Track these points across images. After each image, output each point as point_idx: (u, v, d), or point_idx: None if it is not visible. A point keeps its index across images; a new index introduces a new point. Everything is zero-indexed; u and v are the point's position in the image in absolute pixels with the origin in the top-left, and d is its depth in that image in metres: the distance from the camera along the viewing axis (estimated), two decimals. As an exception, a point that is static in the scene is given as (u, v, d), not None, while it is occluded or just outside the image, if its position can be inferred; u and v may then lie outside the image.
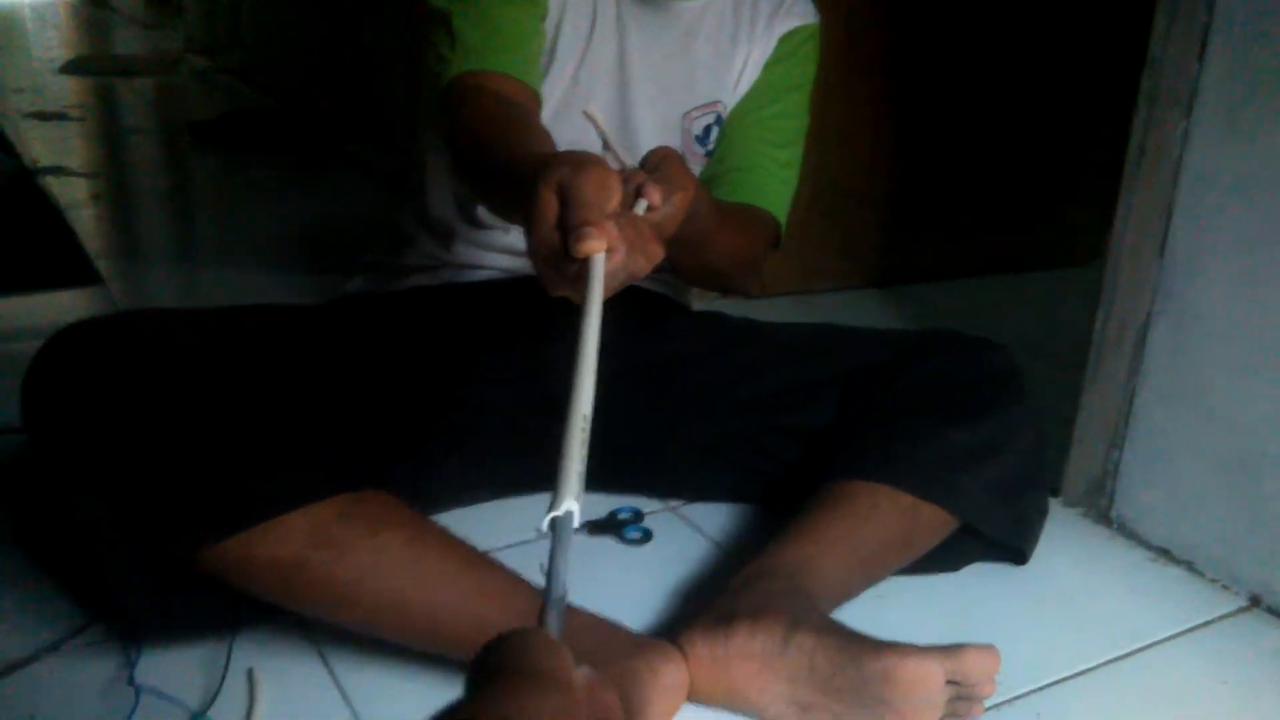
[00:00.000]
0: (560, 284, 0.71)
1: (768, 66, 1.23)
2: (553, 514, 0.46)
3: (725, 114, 1.23)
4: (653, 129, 1.19)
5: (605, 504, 1.23)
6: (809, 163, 2.00)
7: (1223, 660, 1.02)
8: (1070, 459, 1.28)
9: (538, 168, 0.73)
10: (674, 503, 1.26)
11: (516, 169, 0.79)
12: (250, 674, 0.89)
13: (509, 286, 1.21)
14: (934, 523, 1.04)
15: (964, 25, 2.13)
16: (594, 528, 1.19)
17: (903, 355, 1.14)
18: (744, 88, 1.23)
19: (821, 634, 0.85)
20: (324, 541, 0.83)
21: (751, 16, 1.21)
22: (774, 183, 1.23)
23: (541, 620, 0.43)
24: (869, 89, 2.06)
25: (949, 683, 0.82)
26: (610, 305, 0.71)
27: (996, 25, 2.15)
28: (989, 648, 0.82)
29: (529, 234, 0.72)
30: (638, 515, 1.22)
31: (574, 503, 0.47)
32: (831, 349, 1.20)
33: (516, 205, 0.76)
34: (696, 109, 1.20)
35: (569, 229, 0.68)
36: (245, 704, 0.85)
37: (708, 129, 1.22)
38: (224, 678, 0.87)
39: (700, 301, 1.43)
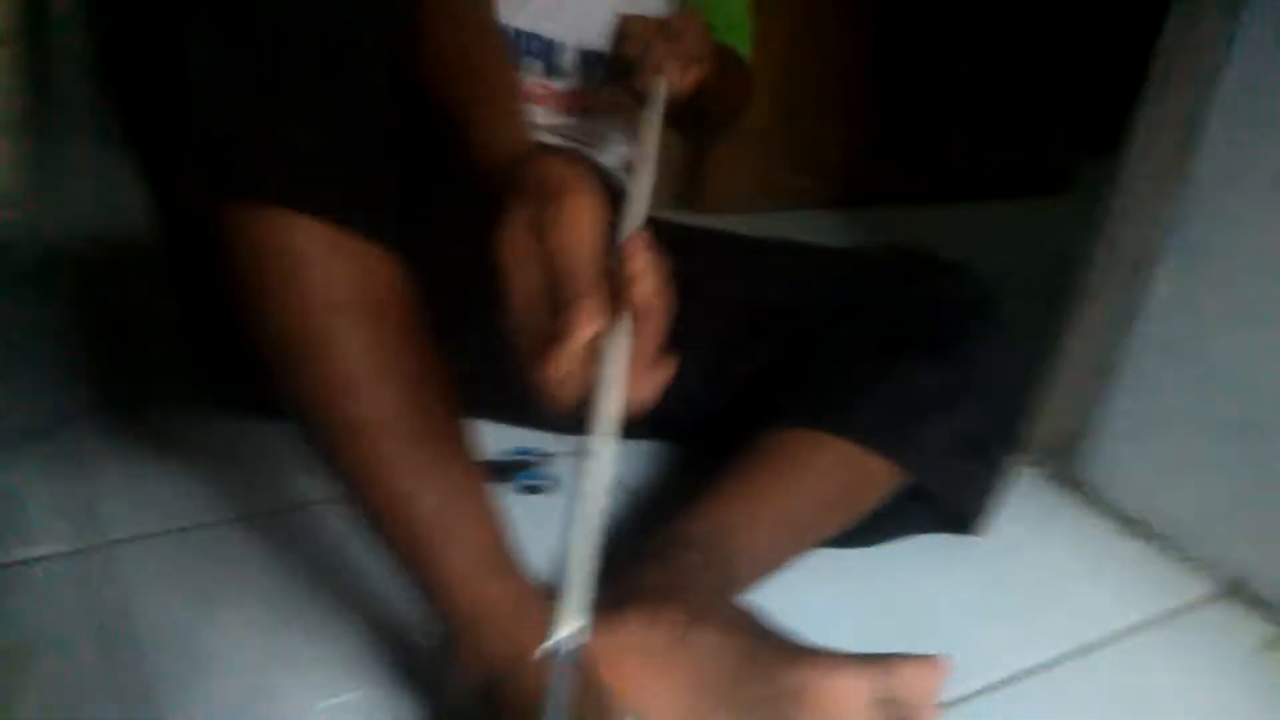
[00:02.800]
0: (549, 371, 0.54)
1: None
2: (556, 639, 0.41)
3: None
4: None
5: (508, 440, 1.06)
6: (768, 66, 1.83)
7: (1194, 656, 0.88)
8: (1040, 412, 1.12)
9: (502, 194, 0.59)
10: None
11: (472, 174, 0.67)
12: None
13: None
14: (878, 479, 0.89)
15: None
16: (489, 471, 1.02)
17: (864, 280, 0.98)
18: None
19: (727, 633, 0.69)
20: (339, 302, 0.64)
21: None
22: (745, 34, 1.12)
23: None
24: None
25: (879, 701, 0.67)
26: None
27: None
28: (929, 660, 0.67)
29: (505, 305, 0.56)
30: (542, 457, 1.05)
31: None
32: (787, 271, 1.03)
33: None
34: None
35: (556, 303, 0.53)
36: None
37: None
38: None
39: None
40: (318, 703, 0.72)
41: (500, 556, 0.69)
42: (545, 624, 0.65)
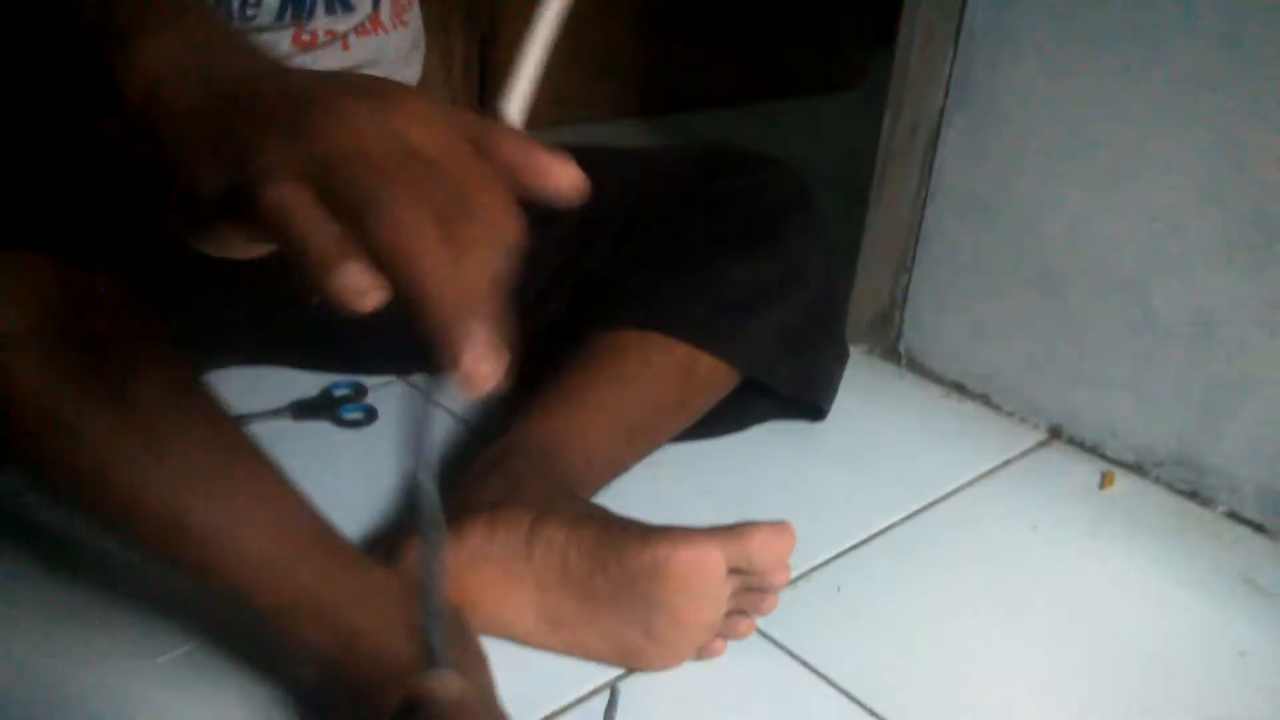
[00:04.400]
0: None
1: None
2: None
3: None
4: None
5: (317, 380, 0.99)
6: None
7: (1028, 502, 0.91)
8: (855, 287, 1.13)
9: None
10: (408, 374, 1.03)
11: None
12: None
13: None
14: (713, 378, 0.88)
15: None
16: (300, 410, 0.95)
17: (682, 179, 0.95)
18: None
19: (575, 525, 0.66)
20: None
21: None
22: None
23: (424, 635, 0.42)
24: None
25: (733, 571, 0.66)
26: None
27: None
28: (780, 525, 0.65)
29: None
30: (358, 390, 0.99)
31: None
32: (604, 176, 0.99)
33: None
34: None
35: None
36: None
37: None
38: None
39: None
40: (156, 658, 0.65)
41: (298, 538, 0.62)
42: (371, 601, 0.61)
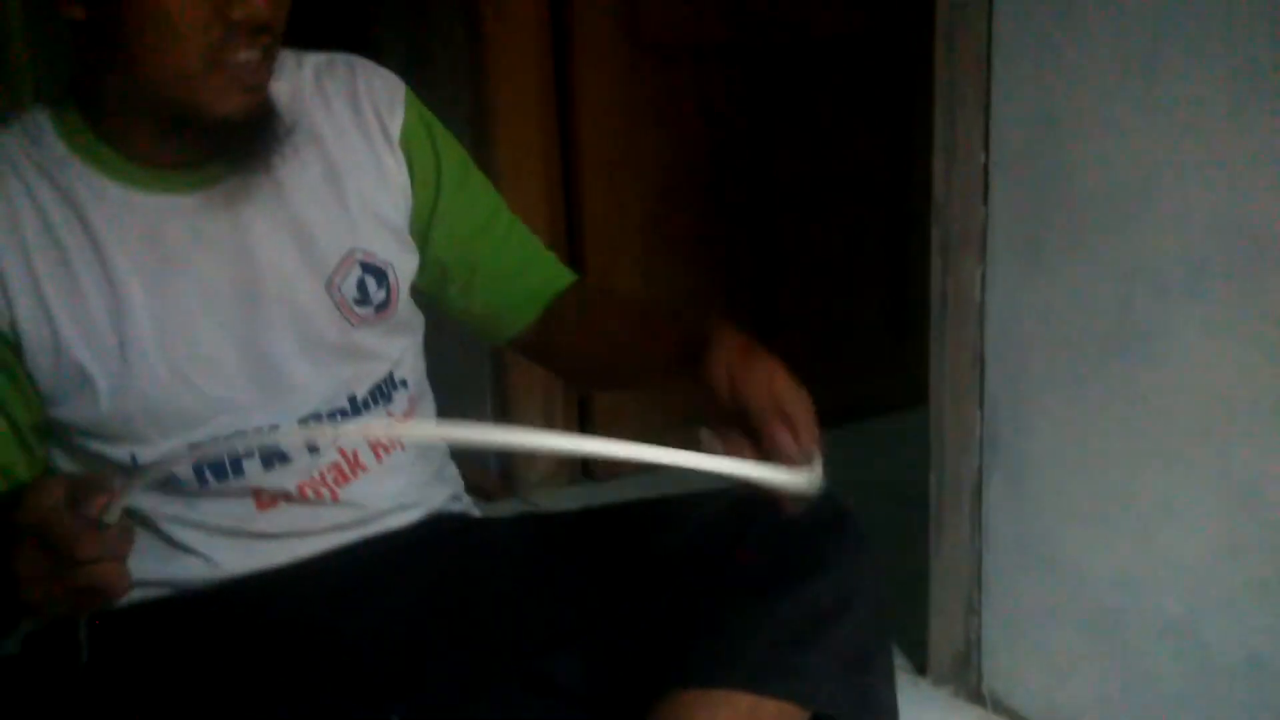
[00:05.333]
0: None
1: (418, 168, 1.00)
2: None
3: (377, 257, 1.00)
4: (295, 342, 0.95)
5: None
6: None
7: None
8: (931, 631, 1.17)
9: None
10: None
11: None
12: None
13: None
14: None
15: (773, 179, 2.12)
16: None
17: (725, 523, 1.02)
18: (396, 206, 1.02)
19: None
20: None
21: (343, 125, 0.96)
22: (532, 250, 1.05)
23: None
24: (685, 253, 2.02)
25: None
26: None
27: (802, 169, 2.15)
28: None
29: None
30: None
31: None
32: (651, 530, 1.06)
33: None
34: (335, 274, 0.98)
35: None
36: None
37: (361, 283, 1.00)
38: None
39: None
40: None
41: None
42: None
